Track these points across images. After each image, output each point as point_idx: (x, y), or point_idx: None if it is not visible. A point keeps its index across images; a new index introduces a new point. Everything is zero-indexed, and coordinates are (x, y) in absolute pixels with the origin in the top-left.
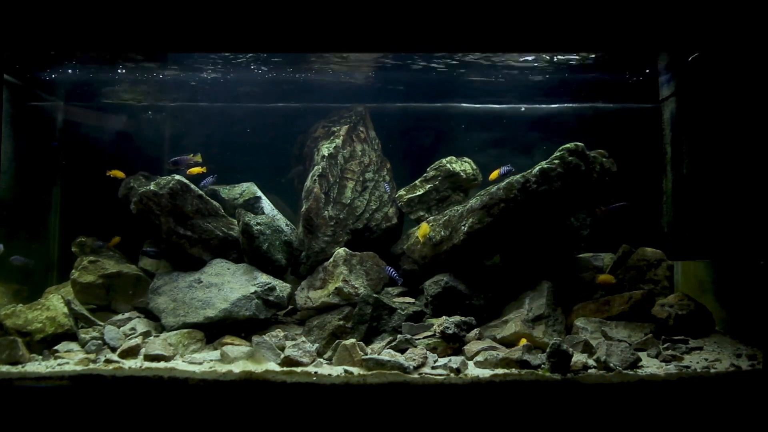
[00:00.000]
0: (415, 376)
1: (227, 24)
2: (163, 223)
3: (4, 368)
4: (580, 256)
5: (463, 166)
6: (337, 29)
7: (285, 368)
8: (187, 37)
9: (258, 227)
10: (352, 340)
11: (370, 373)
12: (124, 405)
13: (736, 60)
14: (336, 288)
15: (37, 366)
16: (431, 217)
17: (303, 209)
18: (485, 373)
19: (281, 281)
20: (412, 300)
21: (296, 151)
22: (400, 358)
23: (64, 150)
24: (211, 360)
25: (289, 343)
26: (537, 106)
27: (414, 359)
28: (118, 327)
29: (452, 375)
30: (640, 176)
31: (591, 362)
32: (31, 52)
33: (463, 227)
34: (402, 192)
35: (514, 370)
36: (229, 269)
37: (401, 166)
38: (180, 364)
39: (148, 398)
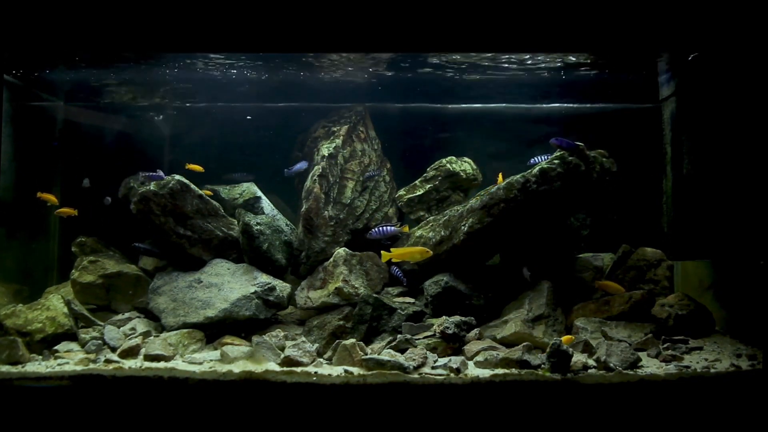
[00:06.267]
0: (415, 376)
1: (227, 24)
2: (163, 223)
3: (4, 368)
4: (580, 256)
5: (463, 166)
6: (336, 29)
7: (285, 368)
8: (186, 37)
9: (258, 227)
10: (352, 340)
11: (370, 373)
12: (124, 405)
13: (736, 60)
14: (336, 288)
15: (37, 366)
16: (431, 217)
17: (303, 209)
18: (485, 373)
19: (281, 281)
20: (412, 300)
21: (296, 151)
22: (400, 358)
23: (64, 150)
24: (211, 360)
25: (289, 343)
26: (537, 105)
27: (414, 359)
28: (118, 327)
29: (452, 375)
30: (640, 176)
31: (591, 362)
32: (31, 52)
33: (463, 227)
34: (402, 192)
35: (514, 370)
36: (229, 269)
37: (401, 166)
38: (180, 364)
39: (148, 398)
